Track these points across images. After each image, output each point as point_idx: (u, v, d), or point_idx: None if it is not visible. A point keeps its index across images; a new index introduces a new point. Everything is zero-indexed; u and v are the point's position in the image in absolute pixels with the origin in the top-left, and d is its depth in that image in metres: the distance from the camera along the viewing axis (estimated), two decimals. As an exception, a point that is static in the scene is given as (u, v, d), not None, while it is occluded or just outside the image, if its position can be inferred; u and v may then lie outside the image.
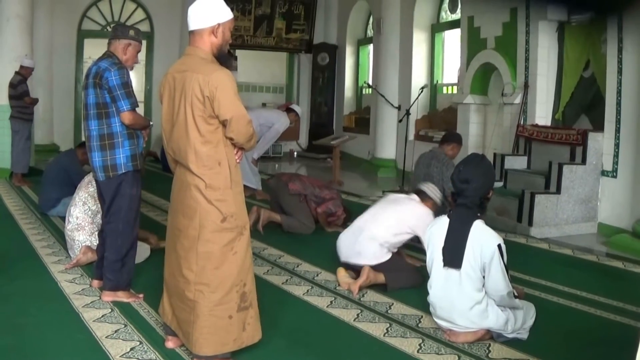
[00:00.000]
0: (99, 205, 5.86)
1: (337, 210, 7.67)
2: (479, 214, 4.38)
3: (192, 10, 3.76)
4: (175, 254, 3.83)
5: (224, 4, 3.83)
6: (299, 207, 7.53)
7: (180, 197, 3.77)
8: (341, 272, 5.64)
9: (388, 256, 5.57)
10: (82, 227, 5.93)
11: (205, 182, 3.63)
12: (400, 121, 12.25)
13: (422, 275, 4.98)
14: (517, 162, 8.94)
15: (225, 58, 3.83)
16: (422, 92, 11.71)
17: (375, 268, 5.48)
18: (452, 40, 12.88)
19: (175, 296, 3.84)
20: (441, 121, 12.67)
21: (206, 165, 3.64)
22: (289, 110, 10.28)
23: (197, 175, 3.64)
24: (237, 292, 3.71)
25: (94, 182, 6.13)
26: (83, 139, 5.83)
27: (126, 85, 4.74)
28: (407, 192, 6.68)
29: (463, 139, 10.68)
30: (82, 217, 5.98)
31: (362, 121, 15.68)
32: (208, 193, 3.64)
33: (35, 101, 10.68)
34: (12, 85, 10.28)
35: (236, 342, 3.75)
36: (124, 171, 4.77)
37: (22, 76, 10.32)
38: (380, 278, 5.42)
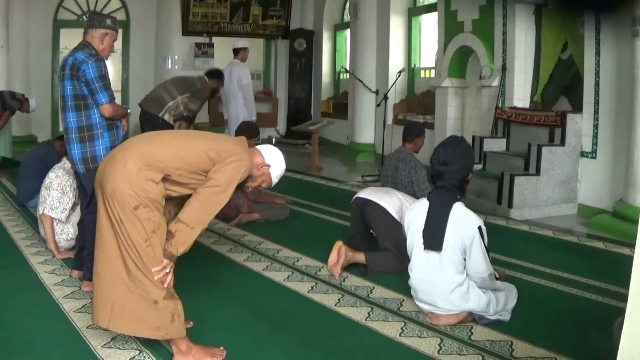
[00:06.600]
0: (51, 193, 5.87)
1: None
2: (458, 196, 4.38)
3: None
4: (98, 232, 3.67)
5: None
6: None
7: (109, 169, 3.54)
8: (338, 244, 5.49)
9: None
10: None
11: (143, 160, 3.47)
12: (378, 105, 12.26)
13: (403, 261, 4.96)
14: (496, 145, 8.97)
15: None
16: (399, 76, 11.68)
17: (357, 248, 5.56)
18: (429, 24, 12.86)
19: (99, 267, 3.68)
20: (419, 105, 12.66)
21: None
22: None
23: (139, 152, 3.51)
24: (161, 281, 3.52)
25: (50, 174, 6.08)
26: (61, 130, 5.75)
27: (104, 77, 4.70)
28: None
29: (441, 122, 10.75)
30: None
31: (340, 106, 15.62)
32: (134, 174, 3.45)
33: (12, 93, 10.59)
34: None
35: (159, 330, 3.52)
36: None
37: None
38: (360, 258, 5.44)
